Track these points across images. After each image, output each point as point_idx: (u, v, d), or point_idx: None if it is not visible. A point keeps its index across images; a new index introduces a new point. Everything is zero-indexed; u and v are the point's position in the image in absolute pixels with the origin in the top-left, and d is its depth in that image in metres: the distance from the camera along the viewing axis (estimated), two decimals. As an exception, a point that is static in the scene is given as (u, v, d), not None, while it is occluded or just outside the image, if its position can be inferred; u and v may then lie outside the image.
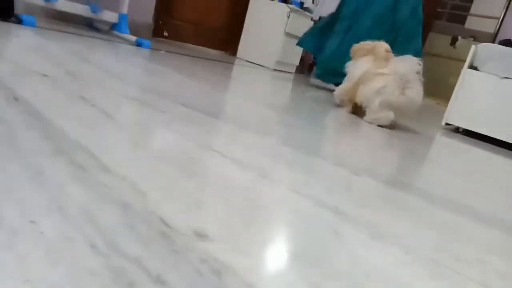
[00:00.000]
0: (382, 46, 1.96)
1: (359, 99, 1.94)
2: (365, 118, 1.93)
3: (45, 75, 1.05)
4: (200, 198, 0.58)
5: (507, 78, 2.41)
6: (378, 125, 1.87)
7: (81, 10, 2.41)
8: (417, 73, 1.76)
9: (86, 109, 0.86)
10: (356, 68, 2.00)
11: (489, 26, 6.60)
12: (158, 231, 0.46)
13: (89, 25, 2.70)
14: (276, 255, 0.49)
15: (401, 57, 1.86)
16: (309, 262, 0.49)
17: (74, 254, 0.38)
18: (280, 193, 0.69)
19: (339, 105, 2.21)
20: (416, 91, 1.76)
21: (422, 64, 1.76)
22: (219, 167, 0.73)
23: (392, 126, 1.93)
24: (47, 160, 0.57)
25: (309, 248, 0.52)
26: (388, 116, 1.80)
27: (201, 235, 0.48)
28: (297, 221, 0.59)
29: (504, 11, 6.46)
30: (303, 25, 3.79)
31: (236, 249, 0.47)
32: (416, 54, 2.79)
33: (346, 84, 2.09)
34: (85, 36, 2.15)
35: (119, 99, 1.02)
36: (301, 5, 3.82)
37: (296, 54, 3.92)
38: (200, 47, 3.71)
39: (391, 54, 1.95)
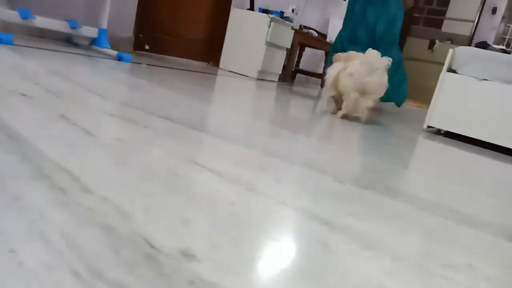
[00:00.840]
0: (355, 54, 2.25)
1: (339, 87, 2.19)
2: (339, 112, 2.20)
3: (24, 95, 1.02)
4: (186, 216, 0.57)
5: (485, 80, 2.47)
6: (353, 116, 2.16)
7: (60, 26, 2.38)
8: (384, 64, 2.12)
9: (66, 128, 0.84)
10: (333, 68, 2.33)
11: (465, 29, 6.76)
12: (144, 254, 0.45)
13: (68, 41, 2.66)
14: (266, 272, 0.48)
15: (368, 52, 2.15)
16: (300, 277, 0.48)
17: (56, 283, 0.37)
18: (268, 206, 0.68)
19: (332, 112, 2.40)
20: (381, 74, 2.08)
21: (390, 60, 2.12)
22: (205, 182, 0.72)
23: (370, 122, 1.97)
24: (26, 184, 0.55)
25: (299, 262, 0.52)
26: (363, 103, 2.10)
27: (188, 255, 0.47)
28: (286, 235, 0.59)
29: (478, 14, 6.64)
30: (284, 34, 3.82)
31: (224, 268, 0.46)
32: (396, 63, 3.12)
33: (329, 79, 2.35)
34: (64, 53, 2.12)
35: (100, 116, 1.01)
36: (281, 14, 3.85)
37: (278, 63, 3.95)
38: (182, 59, 3.70)
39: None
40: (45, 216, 0.48)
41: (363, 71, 2.05)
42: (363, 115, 2.18)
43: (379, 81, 2.08)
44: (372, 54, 2.09)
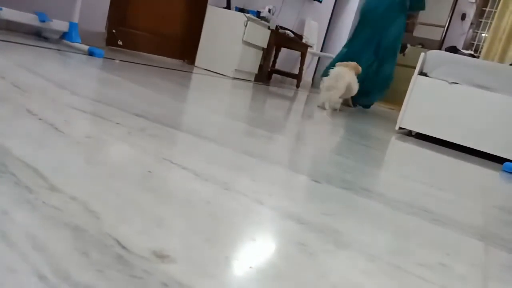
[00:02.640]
0: (353, 63, 3.32)
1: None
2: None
3: (-13, 88, 0.97)
4: (159, 215, 0.55)
5: (455, 83, 2.54)
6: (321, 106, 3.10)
7: (29, 19, 2.28)
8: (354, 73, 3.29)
9: (33, 123, 0.80)
10: (334, 70, 3.18)
11: (435, 34, 6.95)
12: (114, 255, 0.43)
13: (37, 34, 2.57)
14: (242, 273, 0.47)
15: (345, 63, 3.29)
16: (276, 278, 0.47)
17: (20, 287, 0.35)
18: (244, 205, 0.67)
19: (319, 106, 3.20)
20: (342, 82, 3.06)
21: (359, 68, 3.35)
22: (179, 181, 0.71)
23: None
24: (-12, 182, 0.52)
25: (276, 262, 0.51)
26: (328, 95, 3.07)
27: (161, 256, 0.45)
28: (262, 235, 0.58)
29: (448, 20, 6.85)
30: (260, 33, 3.81)
31: (199, 269, 0.45)
32: (391, 69, 4.20)
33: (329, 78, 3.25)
34: (33, 46, 2.04)
35: (70, 112, 0.97)
36: (258, 14, 3.84)
37: (254, 62, 3.94)
38: (157, 56, 3.64)
39: (359, 67, 3.35)
40: (9, 216, 0.45)
41: (332, 78, 3.08)
42: (337, 105, 3.18)
43: (341, 86, 3.06)
44: (338, 69, 3.15)
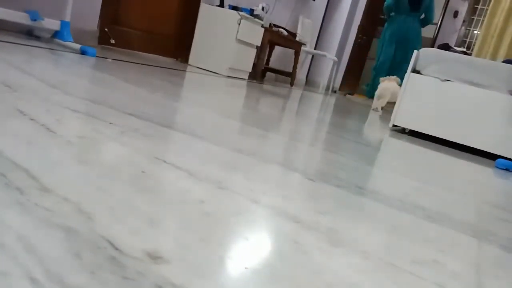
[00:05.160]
0: (394, 77, 4.30)
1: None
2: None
3: (-22, 88, 0.96)
4: (153, 216, 0.55)
5: (447, 80, 2.56)
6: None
7: (19, 17, 2.26)
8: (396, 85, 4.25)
9: (24, 124, 0.79)
10: (381, 85, 4.34)
11: (428, 32, 6.98)
12: (107, 257, 0.42)
13: (29, 33, 2.54)
14: (236, 273, 0.46)
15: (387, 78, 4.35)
16: (271, 277, 0.47)
17: (10, 291, 0.34)
18: (238, 204, 0.67)
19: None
20: (388, 92, 4.18)
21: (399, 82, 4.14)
22: (173, 181, 0.70)
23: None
24: (-22, 183, 0.51)
25: (271, 262, 0.51)
26: (378, 102, 4.32)
27: (155, 257, 0.45)
28: (257, 234, 0.58)
29: (441, 17, 6.88)
30: (254, 32, 3.81)
31: (193, 270, 0.44)
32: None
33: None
34: (24, 45, 2.02)
35: (61, 112, 0.96)
36: (251, 12, 3.84)
37: (248, 60, 3.93)
38: (150, 55, 3.62)
39: (398, 79, 4.21)
40: (0, 217, 0.45)
41: (380, 90, 4.21)
42: (380, 107, 4.28)
43: (388, 95, 4.16)
44: (387, 82, 4.27)
